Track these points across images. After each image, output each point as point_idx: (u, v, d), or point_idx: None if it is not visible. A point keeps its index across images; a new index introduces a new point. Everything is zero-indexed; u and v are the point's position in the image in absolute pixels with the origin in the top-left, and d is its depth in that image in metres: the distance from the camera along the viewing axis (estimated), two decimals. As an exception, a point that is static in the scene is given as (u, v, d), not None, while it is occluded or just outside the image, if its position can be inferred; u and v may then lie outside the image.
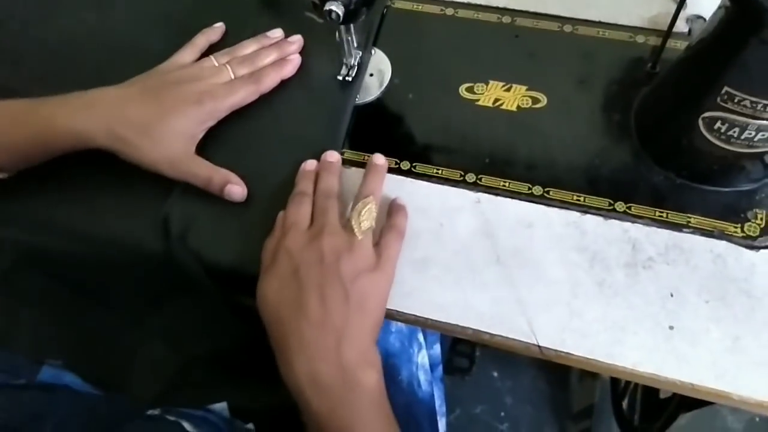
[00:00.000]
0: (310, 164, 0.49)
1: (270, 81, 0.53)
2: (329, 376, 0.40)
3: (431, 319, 0.46)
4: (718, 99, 0.40)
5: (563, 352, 0.44)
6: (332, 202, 0.46)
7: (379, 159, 0.49)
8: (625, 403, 0.95)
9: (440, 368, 0.76)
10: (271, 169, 0.51)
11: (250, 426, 0.49)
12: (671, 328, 0.44)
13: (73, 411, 0.41)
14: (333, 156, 0.49)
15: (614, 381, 1.02)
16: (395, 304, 0.46)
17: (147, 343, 0.49)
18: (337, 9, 0.39)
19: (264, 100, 0.53)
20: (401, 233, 0.47)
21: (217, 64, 0.53)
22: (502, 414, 1.23)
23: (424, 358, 0.69)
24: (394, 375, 0.61)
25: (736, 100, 0.40)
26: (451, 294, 0.46)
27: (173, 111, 0.49)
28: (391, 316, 0.47)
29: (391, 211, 0.48)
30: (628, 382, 0.97)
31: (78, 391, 0.45)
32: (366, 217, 0.45)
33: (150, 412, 0.43)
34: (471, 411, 1.23)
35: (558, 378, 1.24)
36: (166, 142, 0.48)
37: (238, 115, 0.53)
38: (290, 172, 0.50)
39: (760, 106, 0.39)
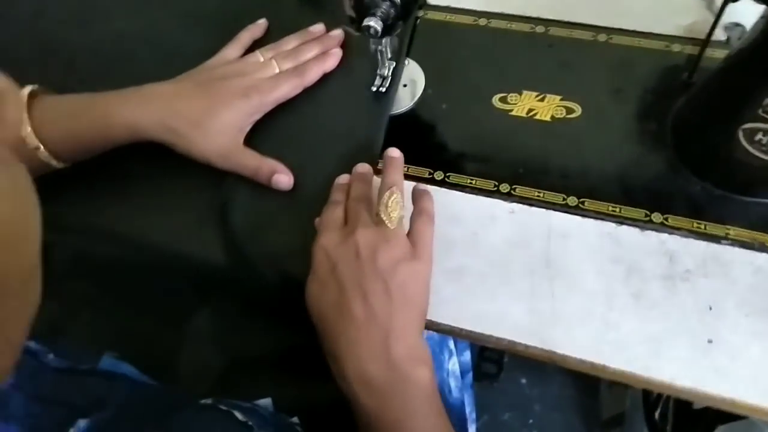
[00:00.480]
0: (344, 178, 0.50)
1: (313, 74, 0.55)
2: (379, 373, 0.40)
3: (466, 330, 0.46)
4: (760, 110, 0.40)
5: (599, 364, 0.44)
6: (364, 205, 0.47)
7: (395, 152, 0.50)
8: (657, 413, 0.94)
9: (470, 375, 0.76)
10: (315, 162, 0.53)
11: (295, 419, 0.50)
12: (710, 341, 0.43)
13: (132, 397, 0.43)
14: (364, 167, 0.50)
15: (646, 390, 1.00)
16: (429, 313, 0.47)
17: (193, 344, 0.51)
18: (376, 25, 0.39)
19: (304, 108, 0.55)
20: (431, 217, 0.47)
21: (262, 59, 0.55)
22: (531, 421, 1.22)
23: (455, 365, 0.69)
24: None
25: (778, 112, 0.39)
26: (486, 304, 0.46)
27: (222, 105, 0.51)
28: (425, 325, 0.47)
29: (415, 197, 0.49)
30: (659, 397, 0.96)
31: (135, 379, 0.47)
32: (393, 207, 0.45)
33: (203, 401, 0.44)
34: (499, 417, 1.23)
35: (587, 385, 1.23)
36: (215, 134, 0.50)
37: (282, 108, 0.55)
38: (333, 167, 0.52)
39: (803, 118, 0.38)
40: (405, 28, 0.57)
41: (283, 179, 0.51)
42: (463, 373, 0.73)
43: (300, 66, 0.55)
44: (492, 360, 1.22)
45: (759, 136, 0.41)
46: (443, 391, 0.63)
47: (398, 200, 0.46)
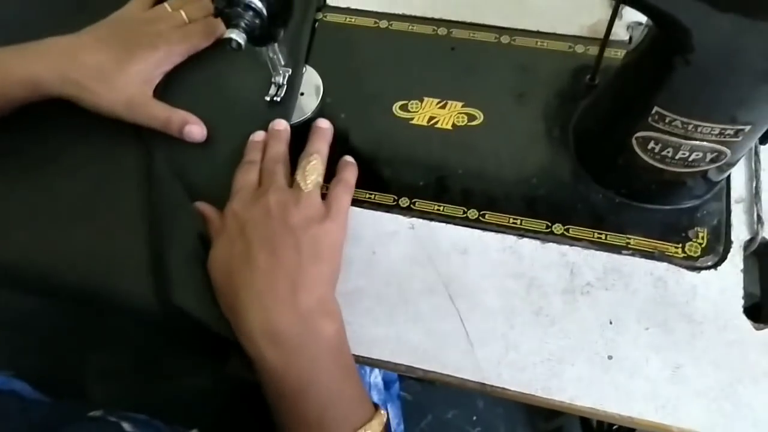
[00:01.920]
0: (259, 135, 0.49)
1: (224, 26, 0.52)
2: (285, 324, 0.38)
3: (362, 356, 0.44)
4: (649, 119, 0.38)
5: (499, 387, 0.42)
6: (280, 166, 0.46)
7: (324, 123, 0.49)
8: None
9: (397, 385, 0.74)
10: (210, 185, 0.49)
11: None
12: (610, 357, 0.42)
13: (13, 415, 0.41)
14: (281, 124, 0.49)
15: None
16: (324, 341, 0.44)
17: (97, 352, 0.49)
18: (238, 38, 0.36)
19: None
20: (350, 186, 0.46)
21: (170, 10, 0.53)
22: (475, 418, 1.21)
23: (377, 377, 0.67)
24: None
25: (666, 121, 0.38)
26: (384, 328, 0.44)
27: (128, 55, 0.49)
28: (321, 353, 0.44)
29: (339, 167, 0.48)
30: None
31: (25, 396, 0.44)
32: (311, 172, 0.45)
33: (92, 413, 0.42)
34: (443, 416, 1.21)
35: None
36: (122, 86, 0.48)
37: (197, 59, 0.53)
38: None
39: (691, 126, 0.37)
40: (300, 32, 0.54)
41: (196, 129, 0.49)
42: (388, 384, 0.71)
43: (211, 17, 0.51)
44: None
45: (651, 144, 0.40)
46: None
47: (317, 167, 0.45)
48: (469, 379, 0.42)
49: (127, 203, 0.48)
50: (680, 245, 0.44)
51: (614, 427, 0.88)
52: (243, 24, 0.36)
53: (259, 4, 0.36)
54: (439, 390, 1.22)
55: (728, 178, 0.46)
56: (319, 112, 0.52)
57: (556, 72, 0.51)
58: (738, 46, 0.31)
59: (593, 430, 0.94)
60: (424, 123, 0.50)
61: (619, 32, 0.50)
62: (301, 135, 0.51)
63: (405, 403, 1.21)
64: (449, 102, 0.51)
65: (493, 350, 0.43)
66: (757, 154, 0.47)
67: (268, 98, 0.51)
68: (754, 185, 0.45)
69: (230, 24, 0.36)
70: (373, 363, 0.44)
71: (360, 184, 0.48)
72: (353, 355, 0.43)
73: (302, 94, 0.53)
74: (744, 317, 0.42)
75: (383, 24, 0.55)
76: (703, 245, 0.44)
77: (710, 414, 0.40)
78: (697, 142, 0.38)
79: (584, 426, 0.96)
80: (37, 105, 0.49)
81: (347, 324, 0.44)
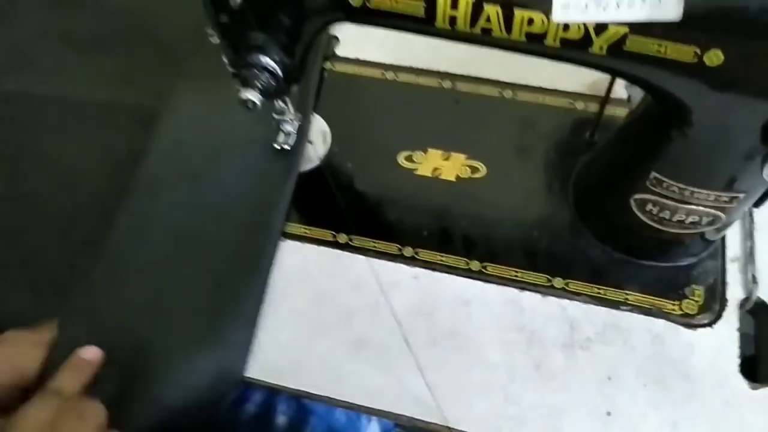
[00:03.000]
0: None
1: None
2: None
3: (365, 406, 0.44)
4: (647, 183, 0.40)
5: (499, 441, 0.42)
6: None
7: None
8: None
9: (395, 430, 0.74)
10: (215, 228, 0.50)
11: None
12: (609, 414, 0.42)
13: None
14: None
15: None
16: (327, 389, 0.45)
17: None
18: (254, 98, 0.37)
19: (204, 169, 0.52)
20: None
21: None
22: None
23: (375, 429, 0.67)
24: None
25: (664, 186, 0.39)
26: (386, 378, 0.45)
27: None
28: (324, 401, 0.45)
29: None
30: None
31: None
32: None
33: None
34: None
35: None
36: None
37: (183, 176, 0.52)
38: (235, 234, 0.49)
39: (687, 192, 0.38)
40: (309, 80, 0.56)
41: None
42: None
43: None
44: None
45: (649, 206, 0.41)
46: None
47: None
48: (469, 432, 0.43)
49: None
50: (677, 302, 0.45)
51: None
52: (259, 85, 0.37)
53: (275, 66, 0.38)
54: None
55: (723, 237, 0.47)
56: (327, 161, 0.54)
57: (556, 127, 0.53)
58: (731, 122, 0.33)
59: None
60: (428, 174, 0.52)
61: (618, 90, 0.52)
62: (307, 184, 0.53)
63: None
64: (453, 154, 0.52)
65: (493, 403, 0.43)
66: (751, 215, 0.48)
67: (277, 146, 0.53)
68: (748, 245, 0.47)
69: (247, 84, 0.37)
70: (376, 413, 0.44)
71: (365, 232, 0.50)
72: (356, 404, 0.44)
73: (311, 142, 0.54)
74: (740, 376, 0.43)
75: (390, 75, 0.57)
76: (699, 303, 0.45)
77: (707, 473, 0.40)
78: (694, 206, 0.39)
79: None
80: None
81: (350, 374, 0.45)
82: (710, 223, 0.41)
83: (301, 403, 0.59)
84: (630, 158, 0.42)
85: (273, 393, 0.58)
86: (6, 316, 0.45)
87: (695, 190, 0.38)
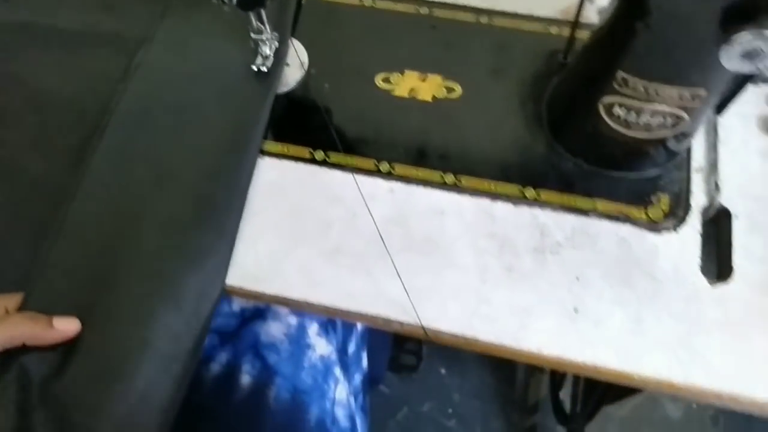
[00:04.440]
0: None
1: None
2: None
3: (341, 309, 0.45)
4: (615, 84, 0.41)
5: (471, 337, 0.44)
6: None
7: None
8: (564, 394, 0.97)
9: (361, 397, 0.75)
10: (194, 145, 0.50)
11: None
12: (576, 311, 0.44)
13: None
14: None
15: (553, 372, 1.03)
16: (303, 294, 0.46)
17: None
18: (229, -7, 0.38)
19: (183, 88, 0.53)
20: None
21: None
22: (450, 411, 1.23)
23: (341, 392, 0.68)
24: (302, 413, 0.59)
25: (630, 85, 0.40)
26: (362, 283, 0.46)
27: None
28: (300, 306, 0.46)
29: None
30: (564, 374, 0.98)
31: None
32: None
33: None
34: (418, 409, 1.23)
35: (505, 374, 1.25)
36: None
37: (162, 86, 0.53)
38: (212, 153, 0.49)
39: (651, 89, 0.40)
40: (287, 4, 0.56)
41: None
42: (354, 396, 0.72)
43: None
44: (411, 351, 1.22)
45: (616, 109, 0.43)
46: (324, 422, 0.62)
47: None
48: (443, 330, 0.44)
49: None
50: (644, 209, 0.47)
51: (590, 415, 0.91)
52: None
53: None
54: (416, 383, 1.24)
55: (689, 150, 0.49)
56: (304, 83, 0.54)
57: (531, 51, 0.54)
58: (691, 9, 0.34)
59: (566, 418, 0.96)
60: (405, 95, 0.53)
61: (591, 16, 0.54)
62: (285, 105, 0.53)
63: (381, 395, 1.22)
64: (429, 75, 0.53)
65: (466, 303, 0.45)
66: (715, 129, 0.50)
67: (254, 67, 0.53)
68: (712, 157, 0.48)
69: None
70: (352, 316, 0.45)
71: (343, 149, 0.51)
72: (332, 307, 0.45)
73: (288, 65, 0.55)
74: (701, 275, 0.45)
75: (367, 2, 0.58)
76: (665, 210, 0.47)
77: (668, 362, 0.42)
78: (658, 105, 0.41)
79: (558, 416, 0.98)
80: None
81: (327, 281, 0.46)
82: (674, 125, 0.42)
83: (266, 362, 0.60)
84: (598, 63, 0.43)
85: (237, 356, 0.59)
86: None
87: (659, 86, 0.39)
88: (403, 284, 0.45)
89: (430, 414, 1.22)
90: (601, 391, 0.72)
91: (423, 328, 0.44)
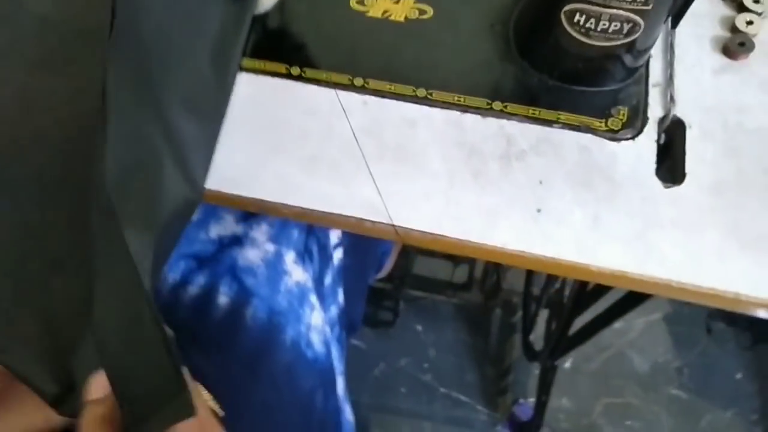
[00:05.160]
0: None
1: None
2: None
3: (316, 211, 0.47)
4: (575, -10, 0.43)
5: (439, 234, 0.46)
6: None
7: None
8: (533, 337, 1.00)
9: (338, 328, 0.77)
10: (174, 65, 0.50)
11: None
12: (539, 211, 0.47)
13: None
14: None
15: (524, 318, 1.07)
16: (280, 197, 0.47)
17: None
18: None
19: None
20: None
21: None
22: (426, 365, 1.26)
23: (317, 319, 0.69)
24: (278, 334, 0.61)
25: (589, -11, 0.43)
26: (338, 188, 0.48)
27: None
28: (276, 210, 0.48)
29: None
30: (535, 316, 1.02)
31: None
32: None
33: None
34: (396, 364, 1.26)
35: (479, 330, 1.28)
36: None
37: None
38: (193, 75, 0.50)
39: (609, -7, 0.42)
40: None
41: None
42: (330, 327, 0.74)
43: None
44: (388, 308, 1.25)
45: (577, 17, 0.45)
46: (299, 344, 0.64)
47: None
48: (413, 228, 0.46)
49: None
50: (604, 120, 0.50)
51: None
52: None
53: None
54: (392, 339, 1.27)
55: (647, 67, 0.51)
56: (280, 5, 0.56)
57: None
58: None
59: (535, 356, 0.99)
60: (379, 16, 0.55)
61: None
62: (262, 25, 0.55)
63: (358, 351, 1.25)
64: (402, -3, 0.55)
65: (435, 205, 0.47)
66: (672, 48, 0.52)
67: (232, -12, 0.54)
68: (668, 72, 0.51)
69: None
70: (327, 218, 0.47)
71: (319, 65, 0.52)
72: (308, 209, 0.47)
73: (265, -13, 0.56)
74: (656, 178, 0.47)
75: (343, -70, 0.59)
76: (623, 120, 0.49)
77: (625, 255, 0.45)
78: (614, 11, 0.43)
79: (527, 353, 1.01)
80: None
81: (303, 186, 0.48)
82: (630, 32, 0.45)
83: (243, 284, 0.62)
84: (560, -28, 0.46)
85: (214, 278, 0.60)
86: None
87: (615, -11, 0.42)
88: (376, 185, 0.47)
89: (406, 369, 1.26)
90: (568, 316, 0.75)
91: (393, 226, 0.46)
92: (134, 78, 0.49)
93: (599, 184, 0.47)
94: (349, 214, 0.47)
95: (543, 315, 1.02)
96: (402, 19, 0.54)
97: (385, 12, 0.55)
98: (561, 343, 0.81)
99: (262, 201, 0.48)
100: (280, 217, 0.50)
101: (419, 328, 1.28)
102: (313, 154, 0.49)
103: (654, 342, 1.26)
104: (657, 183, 0.47)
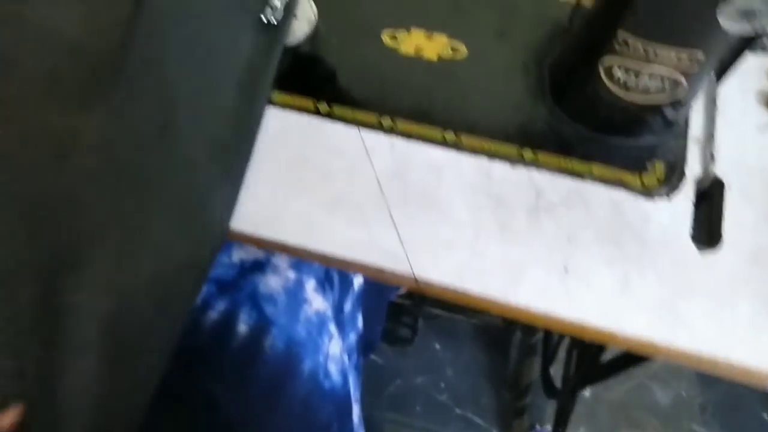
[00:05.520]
0: None
1: None
2: None
3: (336, 256, 0.46)
4: (615, 45, 0.42)
5: (461, 290, 0.45)
6: None
7: None
8: (554, 370, 0.98)
9: (356, 356, 0.76)
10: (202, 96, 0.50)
11: None
12: (566, 269, 0.45)
13: None
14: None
15: (545, 347, 1.05)
16: (301, 241, 0.47)
17: None
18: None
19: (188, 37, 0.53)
20: None
21: None
22: (442, 385, 1.24)
23: (335, 348, 0.69)
24: (296, 364, 0.61)
25: (630, 45, 0.41)
26: (359, 233, 0.47)
27: None
28: (297, 253, 0.47)
29: None
30: (556, 350, 1.00)
31: None
32: None
33: None
34: (411, 381, 1.25)
35: (499, 352, 1.26)
36: None
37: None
38: (220, 105, 0.50)
39: (651, 50, 0.40)
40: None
41: None
42: (348, 355, 0.73)
43: None
44: (407, 325, 1.24)
45: (616, 70, 0.43)
46: (317, 375, 0.63)
47: None
48: (434, 281, 0.45)
49: None
50: (638, 175, 0.48)
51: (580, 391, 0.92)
52: None
53: None
54: (410, 356, 1.25)
55: (688, 120, 0.49)
56: (311, 36, 0.55)
57: (537, 15, 0.55)
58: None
59: (555, 393, 0.97)
60: (411, 53, 0.53)
61: (600, -15, 0.54)
62: (291, 57, 0.54)
63: (374, 366, 1.24)
64: (435, 34, 0.54)
65: (458, 256, 0.46)
66: (714, 101, 0.50)
67: (264, 18, 0.54)
68: (710, 128, 0.49)
69: None
70: (348, 264, 0.46)
71: (347, 102, 0.51)
72: (329, 255, 0.46)
73: (296, 18, 0.55)
74: (690, 241, 0.45)
75: (379, -39, 0.58)
76: (659, 177, 0.48)
77: (653, 323, 0.43)
78: (657, 67, 0.41)
79: (547, 390, 0.99)
80: None
81: (324, 229, 0.47)
82: (672, 90, 0.43)
83: (263, 313, 0.61)
84: (600, 25, 0.44)
85: (235, 305, 0.60)
86: None
87: (658, 47, 0.40)
88: (398, 234, 0.46)
89: (422, 387, 1.24)
90: (590, 361, 0.73)
91: (415, 277, 0.45)
92: (155, 120, 0.49)
93: (630, 243, 0.46)
94: (369, 262, 0.46)
95: (564, 342, 1.00)
96: (434, 57, 0.53)
97: (417, 49, 0.54)
98: (582, 381, 0.79)
99: (283, 244, 0.47)
100: (302, 258, 0.49)
101: (437, 346, 1.26)
102: (337, 195, 0.48)
103: (677, 376, 1.22)
104: (691, 246, 0.45)
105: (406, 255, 0.46)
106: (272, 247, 0.48)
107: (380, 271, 0.46)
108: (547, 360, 0.97)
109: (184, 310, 0.47)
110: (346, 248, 0.47)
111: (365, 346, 0.80)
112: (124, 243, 0.45)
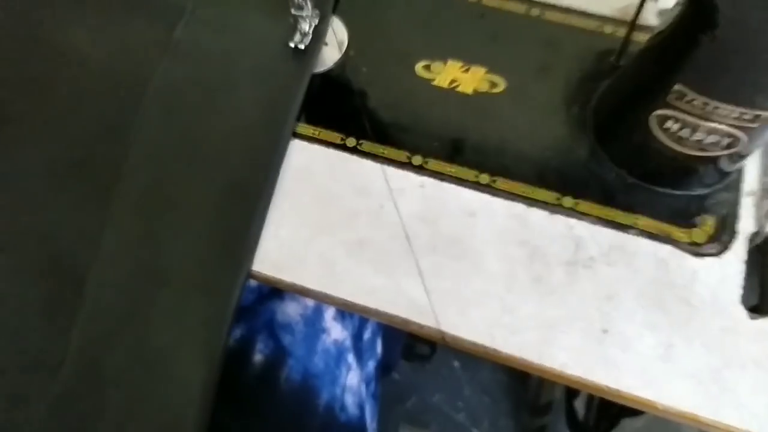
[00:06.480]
0: None
1: None
2: None
3: (360, 304, 0.44)
4: (670, 97, 0.38)
5: (491, 348, 0.42)
6: None
7: None
8: (578, 402, 0.95)
9: (373, 384, 0.74)
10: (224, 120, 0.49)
11: None
12: (605, 331, 0.42)
13: None
14: None
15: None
16: (323, 286, 0.45)
17: None
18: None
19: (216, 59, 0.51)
20: None
21: None
22: (460, 404, 1.22)
23: (353, 379, 0.67)
24: (311, 398, 0.59)
25: (686, 99, 0.38)
26: (384, 279, 0.45)
27: None
28: (318, 297, 0.45)
29: None
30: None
31: None
32: None
33: None
34: (428, 399, 1.22)
35: (518, 373, 1.23)
36: None
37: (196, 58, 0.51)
38: (243, 130, 0.49)
39: (710, 107, 0.37)
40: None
41: None
42: (366, 384, 0.71)
43: None
44: (426, 341, 1.21)
45: (669, 123, 0.40)
46: (333, 408, 0.62)
47: None
48: (463, 337, 0.43)
49: None
50: (687, 230, 0.44)
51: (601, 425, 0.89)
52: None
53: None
54: (428, 373, 1.23)
55: (741, 171, 0.46)
56: (341, 64, 0.52)
57: (582, 49, 0.51)
58: (762, 25, 0.31)
59: (579, 427, 0.94)
60: (446, 85, 0.51)
61: (650, 18, 0.50)
62: (319, 86, 0.52)
63: (391, 382, 1.22)
64: (473, 67, 0.51)
65: (488, 312, 0.43)
66: (773, 150, 0.46)
67: (292, 45, 0.51)
68: (766, 181, 0.45)
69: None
70: (371, 313, 0.44)
71: (375, 138, 0.49)
72: (351, 302, 0.44)
73: (326, 44, 0.53)
74: (740, 306, 0.42)
75: (415, -15, 0.55)
76: (709, 233, 0.44)
77: (696, 395, 0.40)
78: (715, 125, 0.38)
79: (570, 423, 0.96)
80: None
81: (348, 273, 0.44)
82: (729, 146, 0.40)
83: (280, 343, 0.59)
84: (654, 72, 0.41)
85: (251, 332, 0.58)
86: None
87: (719, 104, 0.37)
88: (424, 286, 0.44)
89: (439, 405, 1.22)
90: (619, 407, 0.70)
91: (442, 333, 0.43)
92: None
93: (674, 306, 0.42)
94: (394, 313, 0.44)
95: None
96: (470, 91, 0.50)
97: (452, 82, 0.51)
98: (608, 424, 0.76)
99: (304, 288, 0.45)
100: (323, 302, 0.47)
101: (456, 363, 1.24)
102: (361, 237, 0.46)
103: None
104: (741, 312, 0.42)
105: (432, 308, 0.43)
106: (292, 290, 0.46)
107: (405, 323, 0.44)
108: (571, 392, 0.94)
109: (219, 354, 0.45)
110: (370, 296, 0.44)
111: (384, 368, 0.78)
112: None
